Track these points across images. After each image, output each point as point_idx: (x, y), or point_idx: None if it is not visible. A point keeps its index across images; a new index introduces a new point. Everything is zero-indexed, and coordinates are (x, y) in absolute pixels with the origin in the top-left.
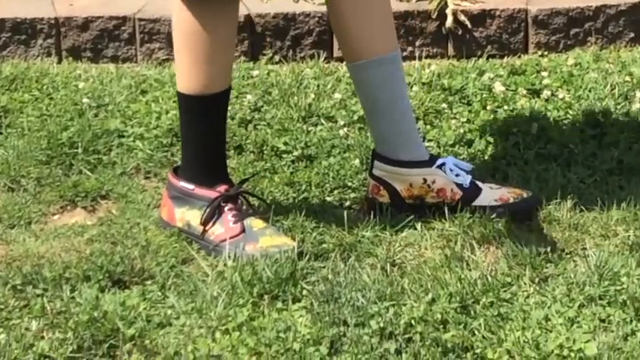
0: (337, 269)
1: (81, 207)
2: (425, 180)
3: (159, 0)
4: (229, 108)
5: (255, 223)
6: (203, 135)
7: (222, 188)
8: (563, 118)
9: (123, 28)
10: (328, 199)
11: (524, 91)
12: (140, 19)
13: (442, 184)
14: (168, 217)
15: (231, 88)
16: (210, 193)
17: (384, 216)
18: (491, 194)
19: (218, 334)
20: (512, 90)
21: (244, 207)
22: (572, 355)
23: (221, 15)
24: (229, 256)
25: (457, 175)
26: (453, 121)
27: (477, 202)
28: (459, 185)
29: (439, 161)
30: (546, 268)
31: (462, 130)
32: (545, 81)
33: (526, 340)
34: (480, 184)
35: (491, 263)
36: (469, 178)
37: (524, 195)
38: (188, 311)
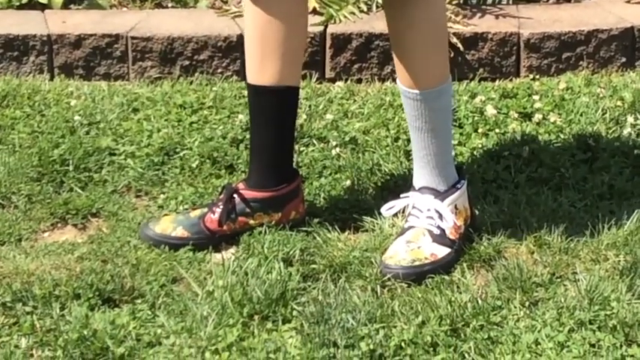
0: (327, 290)
1: (71, 224)
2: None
3: (152, 18)
4: (221, 127)
5: None
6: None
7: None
8: (554, 142)
9: (115, 45)
10: (319, 219)
11: (516, 115)
12: (133, 37)
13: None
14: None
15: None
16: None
17: (374, 237)
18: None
19: (208, 354)
20: (503, 113)
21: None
22: None
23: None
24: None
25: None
26: None
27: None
28: None
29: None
30: (536, 291)
31: (453, 153)
32: (537, 104)
33: None
34: None
35: (482, 286)
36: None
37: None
38: (178, 331)
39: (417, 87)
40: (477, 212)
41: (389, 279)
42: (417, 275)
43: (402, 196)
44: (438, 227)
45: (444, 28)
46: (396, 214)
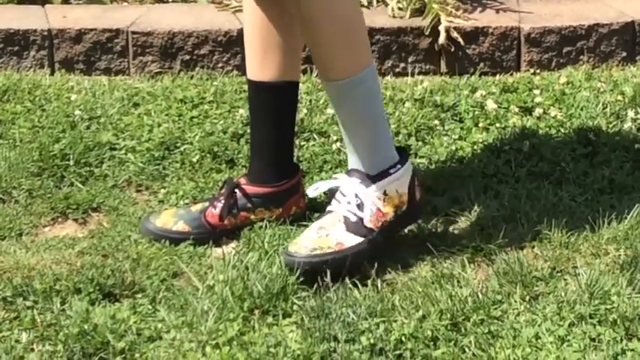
0: (328, 285)
1: (72, 219)
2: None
3: (152, 13)
4: (222, 122)
5: None
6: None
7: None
8: (554, 137)
9: (116, 40)
10: (319, 213)
11: (516, 109)
12: (133, 32)
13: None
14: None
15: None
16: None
17: None
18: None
19: (208, 349)
20: (504, 108)
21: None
22: None
23: None
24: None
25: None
26: (445, 138)
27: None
28: None
29: None
30: (537, 286)
31: (453, 147)
32: (537, 99)
33: (516, 358)
34: None
35: (482, 281)
36: None
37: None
38: (178, 325)
39: (327, 79)
40: (419, 197)
41: (389, 273)
42: (312, 266)
43: (332, 176)
44: (356, 214)
45: (351, 22)
46: None
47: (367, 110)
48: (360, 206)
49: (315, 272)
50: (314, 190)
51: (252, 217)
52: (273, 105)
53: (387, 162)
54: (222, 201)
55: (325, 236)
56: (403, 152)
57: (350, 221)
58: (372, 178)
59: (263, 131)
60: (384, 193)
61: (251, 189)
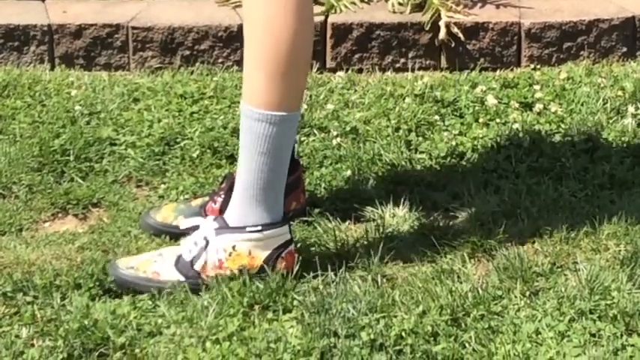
0: (328, 280)
1: (72, 214)
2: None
3: (152, 8)
4: (222, 117)
5: None
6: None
7: None
8: (555, 132)
9: (116, 35)
10: (319, 209)
11: (517, 105)
12: (133, 27)
13: None
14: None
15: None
16: None
17: (374, 226)
18: None
19: (208, 344)
20: (504, 103)
21: None
22: None
23: None
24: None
25: None
26: (445, 134)
27: None
28: None
29: None
30: (537, 281)
31: (453, 143)
32: (538, 94)
33: (516, 354)
34: None
35: (482, 276)
36: None
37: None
38: (178, 320)
39: (242, 97)
40: (280, 267)
41: (389, 268)
42: (120, 283)
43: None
44: (191, 254)
45: (273, 52)
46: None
47: (260, 156)
48: (201, 249)
49: (120, 287)
50: (184, 223)
51: None
52: None
53: (252, 219)
54: (222, 196)
55: (153, 261)
56: (287, 221)
57: (182, 259)
58: (228, 228)
59: None
60: (234, 248)
61: None
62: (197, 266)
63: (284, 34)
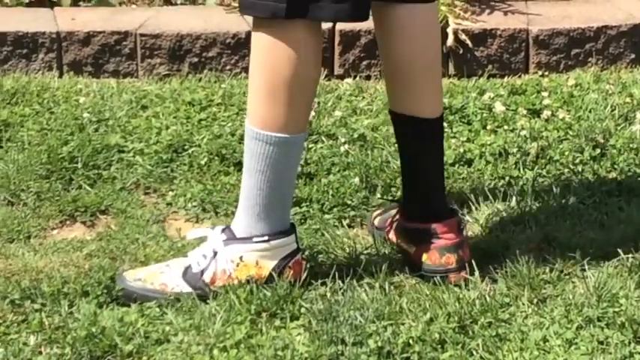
0: (335, 288)
1: (80, 222)
2: None
3: (160, 15)
4: (230, 124)
5: None
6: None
7: None
8: (563, 139)
9: (124, 43)
10: (327, 216)
11: (525, 111)
12: (142, 35)
13: None
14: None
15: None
16: None
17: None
18: None
19: (216, 352)
20: (512, 110)
21: None
22: None
23: None
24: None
25: None
26: (453, 140)
27: None
28: None
29: None
30: (545, 288)
31: (461, 150)
32: (546, 101)
33: None
34: None
35: (490, 283)
36: None
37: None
38: (186, 328)
39: (247, 116)
40: (288, 276)
41: (397, 275)
42: (125, 295)
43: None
44: (200, 266)
45: (269, 75)
46: None
47: (261, 173)
48: (210, 260)
49: (128, 299)
50: (191, 234)
51: None
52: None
53: (259, 229)
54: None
55: (160, 273)
56: (293, 231)
57: (190, 270)
58: (236, 239)
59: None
60: (241, 259)
61: None
62: (206, 277)
63: (282, 59)
